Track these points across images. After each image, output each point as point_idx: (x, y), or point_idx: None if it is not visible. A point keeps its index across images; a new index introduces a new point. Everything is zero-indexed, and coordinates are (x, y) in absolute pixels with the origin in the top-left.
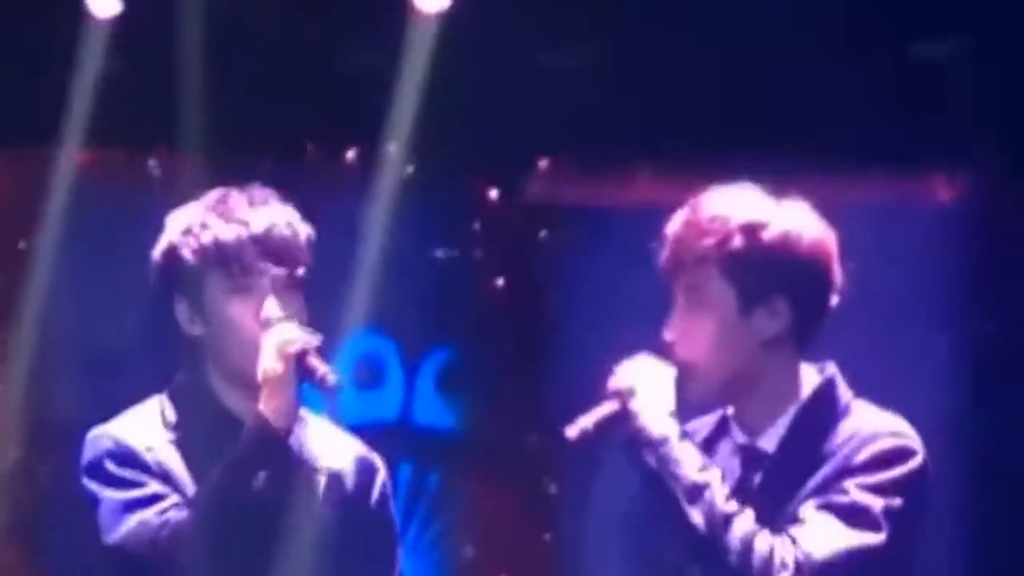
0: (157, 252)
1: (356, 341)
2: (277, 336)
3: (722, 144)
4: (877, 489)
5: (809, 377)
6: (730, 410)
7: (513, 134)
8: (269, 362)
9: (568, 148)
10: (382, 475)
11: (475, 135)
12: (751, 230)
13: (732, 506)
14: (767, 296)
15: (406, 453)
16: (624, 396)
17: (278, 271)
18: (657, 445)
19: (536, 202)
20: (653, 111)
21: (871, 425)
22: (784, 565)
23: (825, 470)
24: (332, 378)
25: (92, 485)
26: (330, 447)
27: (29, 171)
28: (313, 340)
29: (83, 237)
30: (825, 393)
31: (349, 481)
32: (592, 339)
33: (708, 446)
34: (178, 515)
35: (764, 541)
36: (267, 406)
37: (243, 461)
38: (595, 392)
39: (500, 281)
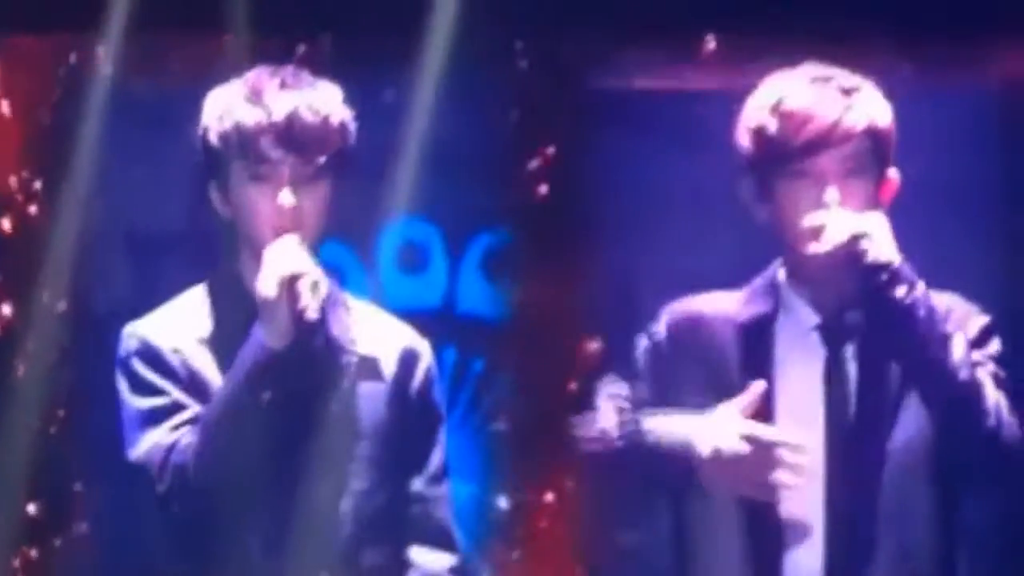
0: (197, 133)
1: (400, 226)
2: (275, 256)
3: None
4: (995, 359)
5: None
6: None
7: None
8: (265, 284)
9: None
10: (426, 359)
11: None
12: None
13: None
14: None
15: (450, 338)
16: (858, 238)
17: (295, 160)
18: (910, 285)
19: (581, 86)
20: None
21: (956, 303)
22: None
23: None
24: (311, 314)
25: (120, 383)
26: (371, 333)
27: (66, 55)
28: (307, 268)
29: (129, 120)
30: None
31: (389, 365)
32: (636, 225)
33: None
34: (191, 437)
35: (991, 393)
36: (263, 327)
37: (245, 383)
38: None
39: (544, 165)
